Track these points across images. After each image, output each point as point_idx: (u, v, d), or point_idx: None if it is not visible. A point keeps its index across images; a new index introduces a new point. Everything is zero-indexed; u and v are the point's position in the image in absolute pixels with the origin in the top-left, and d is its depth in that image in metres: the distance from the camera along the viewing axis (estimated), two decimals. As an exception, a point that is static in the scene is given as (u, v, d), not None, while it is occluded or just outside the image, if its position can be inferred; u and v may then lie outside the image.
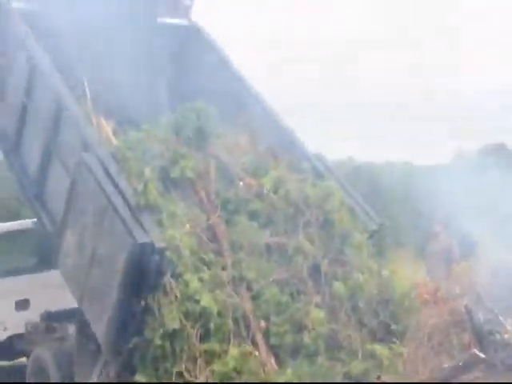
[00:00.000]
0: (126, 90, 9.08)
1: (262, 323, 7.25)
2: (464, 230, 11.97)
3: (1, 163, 11.24)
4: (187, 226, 7.56)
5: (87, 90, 8.81)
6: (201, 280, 7.17)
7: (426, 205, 11.97)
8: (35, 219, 9.43)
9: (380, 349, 7.29)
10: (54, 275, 9.00)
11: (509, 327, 8.60)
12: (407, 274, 9.18)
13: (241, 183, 8.30)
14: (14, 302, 10.27)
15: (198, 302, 7.02)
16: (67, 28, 9.14)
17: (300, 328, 7.24)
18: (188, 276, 7.13)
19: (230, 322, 7.05)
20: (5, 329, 10.32)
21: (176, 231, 7.30)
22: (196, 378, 6.84)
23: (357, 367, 7.14)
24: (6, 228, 10.90)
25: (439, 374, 7.81)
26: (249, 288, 7.42)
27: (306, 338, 7.14)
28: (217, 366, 6.85)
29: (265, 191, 8.14)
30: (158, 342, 6.97)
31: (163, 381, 6.99)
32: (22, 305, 10.27)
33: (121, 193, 7.43)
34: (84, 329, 7.99)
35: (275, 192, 8.13)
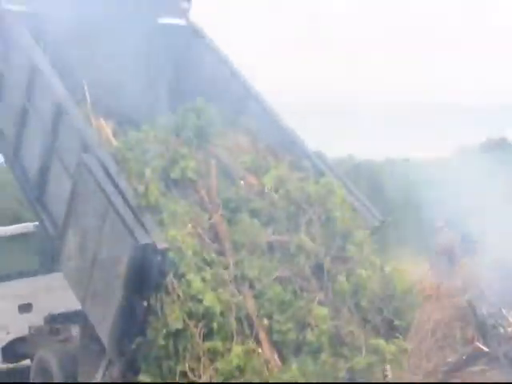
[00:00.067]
0: (125, 90, 9.09)
1: (265, 321, 7.25)
2: (466, 225, 11.97)
3: (2, 167, 11.26)
4: (189, 225, 7.57)
5: (87, 91, 8.81)
6: (203, 280, 7.16)
7: (428, 201, 11.97)
8: (37, 222, 9.44)
9: (384, 344, 7.29)
10: (56, 278, 9.03)
11: (512, 320, 8.61)
12: (410, 269, 9.18)
13: (242, 182, 8.30)
14: (17, 306, 10.29)
15: (200, 301, 7.02)
16: (68, 29, 9.16)
17: (303, 325, 7.24)
18: (190, 276, 7.12)
19: (233, 321, 7.04)
20: (8, 333, 10.34)
21: (178, 231, 7.31)
22: (200, 376, 6.84)
23: (360, 363, 7.13)
24: (8, 231, 10.93)
25: (443, 367, 7.83)
26: (251, 286, 7.42)
27: (310, 335, 7.14)
28: (220, 365, 6.85)
29: (266, 190, 8.14)
30: (161, 341, 6.98)
31: (167, 380, 7.00)
32: (25, 308, 10.29)
33: (121, 194, 7.43)
34: (88, 330, 8.01)
35: (276, 191, 8.13)
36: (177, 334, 6.99)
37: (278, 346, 7.22)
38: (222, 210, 7.93)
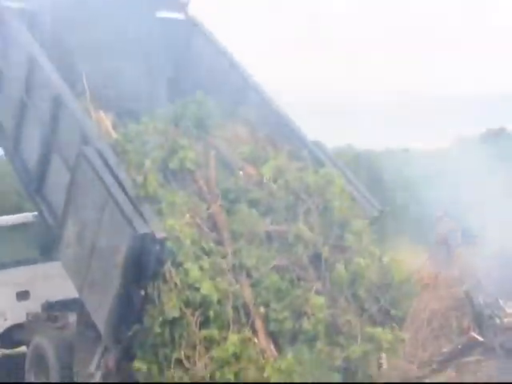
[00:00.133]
0: (124, 82, 9.12)
1: (262, 310, 7.28)
2: (465, 215, 11.99)
3: (1, 158, 11.31)
4: (187, 215, 7.61)
5: (86, 84, 8.85)
6: (201, 268, 7.21)
7: (427, 191, 11.99)
8: (36, 213, 9.49)
9: (380, 332, 7.32)
10: (54, 266, 9.09)
11: (508, 311, 8.64)
12: (408, 259, 9.21)
13: (240, 173, 8.33)
14: (15, 293, 10.37)
15: (198, 290, 7.06)
16: (66, 23, 9.20)
17: (300, 314, 7.27)
18: (188, 265, 7.17)
19: (230, 309, 7.08)
20: (5, 319, 10.42)
21: (176, 221, 7.35)
22: (195, 364, 6.88)
23: (356, 351, 7.17)
24: (7, 221, 10.99)
25: (438, 357, 7.86)
26: (249, 275, 7.46)
27: (306, 324, 7.17)
28: (216, 353, 6.89)
29: (264, 180, 8.17)
30: (157, 329, 7.03)
31: (162, 367, 7.03)
32: (23, 295, 10.36)
33: (120, 184, 7.48)
34: (84, 317, 8.06)
35: (275, 181, 8.16)
36: (173, 322, 7.04)
37: (274, 335, 7.25)
38: (221, 201, 7.96)
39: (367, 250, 7.97)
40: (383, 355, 7.34)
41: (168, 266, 7.14)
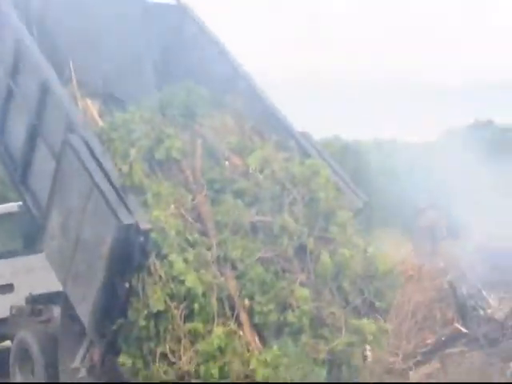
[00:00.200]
0: (113, 69, 9.06)
1: (247, 302, 7.27)
2: (450, 207, 12.04)
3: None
4: (172, 206, 7.57)
5: (73, 71, 8.78)
6: (186, 261, 7.16)
7: (413, 182, 12.01)
8: (21, 202, 9.43)
9: (364, 323, 7.33)
10: (38, 258, 9.02)
11: (492, 302, 8.69)
12: (392, 250, 9.23)
13: (226, 163, 8.29)
14: None
15: (182, 282, 7.02)
16: (56, 9, 9.12)
17: (284, 306, 7.27)
18: (173, 257, 7.12)
19: (215, 302, 7.06)
20: None
21: (161, 212, 7.31)
22: (180, 358, 6.86)
23: (340, 344, 7.17)
24: None
25: (422, 348, 7.89)
26: (233, 267, 7.43)
27: (291, 317, 7.16)
28: (201, 346, 6.87)
29: (250, 170, 8.14)
30: (142, 322, 7.00)
31: (147, 361, 7.01)
32: (7, 288, 10.28)
33: (106, 174, 7.43)
34: (68, 311, 8.02)
35: (261, 171, 8.13)
36: (158, 316, 7.00)
37: (259, 328, 7.24)
38: (207, 191, 7.93)
39: (351, 241, 7.97)
40: (367, 347, 7.35)
41: (153, 258, 7.10)
